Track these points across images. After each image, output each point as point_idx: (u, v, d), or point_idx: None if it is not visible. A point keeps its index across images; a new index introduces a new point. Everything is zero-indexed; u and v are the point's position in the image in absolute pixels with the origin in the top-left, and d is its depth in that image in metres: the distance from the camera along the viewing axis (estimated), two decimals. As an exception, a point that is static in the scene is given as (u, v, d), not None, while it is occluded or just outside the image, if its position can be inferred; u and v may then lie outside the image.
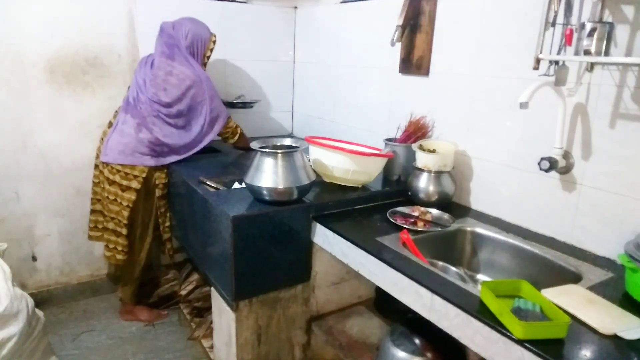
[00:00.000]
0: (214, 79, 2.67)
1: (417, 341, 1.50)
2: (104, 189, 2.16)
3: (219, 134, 2.26)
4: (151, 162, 2.13)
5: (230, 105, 2.57)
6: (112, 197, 2.14)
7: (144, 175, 2.12)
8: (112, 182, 2.12)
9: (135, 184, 2.12)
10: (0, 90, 2.19)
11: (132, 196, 2.12)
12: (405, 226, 1.55)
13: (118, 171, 2.10)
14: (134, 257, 2.28)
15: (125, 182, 2.11)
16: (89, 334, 2.31)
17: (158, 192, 2.21)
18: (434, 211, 1.69)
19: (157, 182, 2.19)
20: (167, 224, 2.30)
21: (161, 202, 2.24)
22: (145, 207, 2.22)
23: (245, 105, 2.68)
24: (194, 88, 2.11)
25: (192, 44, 2.16)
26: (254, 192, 1.64)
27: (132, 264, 2.28)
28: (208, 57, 2.25)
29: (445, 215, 1.66)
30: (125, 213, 2.14)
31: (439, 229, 1.58)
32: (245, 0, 2.69)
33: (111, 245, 2.20)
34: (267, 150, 1.62)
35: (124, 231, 2.16)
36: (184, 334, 2.33)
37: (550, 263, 1.40)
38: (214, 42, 2.24)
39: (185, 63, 2.12)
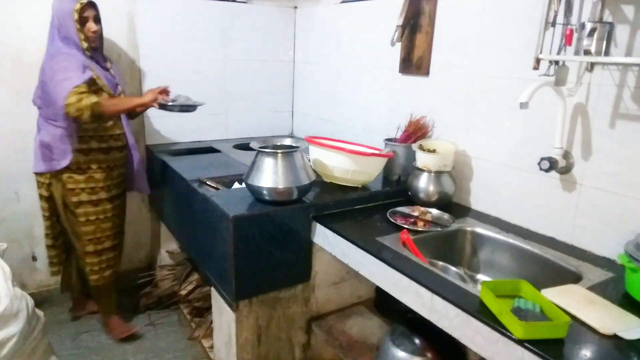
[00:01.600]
0: (214, 79, 2.69)
1: (417, 341, 1.50)
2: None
3: (74, 121, 1.89)
4: (43, 167, 2.01)
5: (162, 107, 2.11)
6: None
7: (47, 181, 2.04)
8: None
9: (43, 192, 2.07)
10: (0, 90, 2.19)
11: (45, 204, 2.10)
12: (405, 226, 1.55)
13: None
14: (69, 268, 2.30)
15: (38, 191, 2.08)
16: (89, 334, 2.31)
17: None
18: (434, 211, 1.69)
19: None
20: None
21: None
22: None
23: (183, 108, 2.16)
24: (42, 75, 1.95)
25: (60, 25, 1.93)
26: (254, 192, 1.64)
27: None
28: (80, 30, 1.92)
29: (445, 215, 1.66)
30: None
31: (439, 229, 1.58)
32: (245, 0, 2.69)
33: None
34: (267, 150, 1.62)
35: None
36: (184, 334, 2.32)
37: (550, 263, 1.40)
38: (78, 10, 1.90)
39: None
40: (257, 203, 1.64)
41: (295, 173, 1.60)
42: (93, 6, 1.96)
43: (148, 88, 2.46)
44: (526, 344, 0.96)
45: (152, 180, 2.38)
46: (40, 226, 2.41)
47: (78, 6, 1.90)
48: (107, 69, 2.10)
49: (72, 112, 1.80)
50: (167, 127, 2.60)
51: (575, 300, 1.11)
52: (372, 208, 1.76)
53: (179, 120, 2.60)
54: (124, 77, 2.45)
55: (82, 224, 2.06)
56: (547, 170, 1.42)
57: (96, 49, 2.04)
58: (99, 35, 2.02)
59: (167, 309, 2.50)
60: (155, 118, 2.54)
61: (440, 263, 1.52)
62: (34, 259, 2.47)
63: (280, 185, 1.58)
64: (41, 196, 2.08)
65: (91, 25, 1.95)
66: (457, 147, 1.81)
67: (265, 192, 1.59)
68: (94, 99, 1.84)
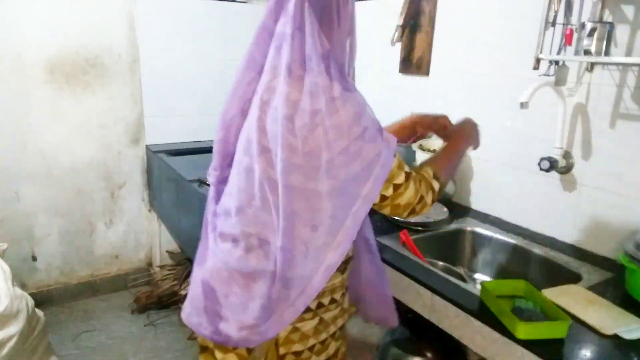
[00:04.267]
0: (214, 79, 2.69)
1: (417, 341, 1.50)
2: None
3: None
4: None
5: None
6: None
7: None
8: None
9: None
10: (0, 90, 2.19)
11: None
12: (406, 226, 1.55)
13: None
14: None
15: None
16: (89, 334, 2.31)
17: None
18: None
19: None
20: None
21: None
22: None
23: None
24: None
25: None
26: None
27: None
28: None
29: (444, 209, 1.66)
30: None
31: (440, 230, 1.59)
32: (245, 0, 2.69)
33: None
34: None
35: None
36: (184, 334, 2.32)
37: (550, 263, 1.40)
38: None
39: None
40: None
41: None
42: None
43: (148, 88, 2.48)
44: (526, 344, 0.96)
45: (152, 180, 2.39)
46: (41, 226, 2.43)
47: None
48: None
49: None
50: (167, 127, 2.60)
51: (575, 300, 1.11)
52: (371, 208, 1.75)
53: (179, 120, 2.60)
54: (124, 77, 2.45)
55: None
56: (547, 170, 1.42)
57: None
58: None
59: (167, 309, 2.50)
60: (155, 118, 2.54)
61: (440, 263, 1.52)
62: (34, 259, 2.47)
63: None
64: None
65: None
66: (457, 147, 1.81)
67: None
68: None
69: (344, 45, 0.94)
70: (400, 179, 0.95)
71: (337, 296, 1.02)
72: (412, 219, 1.39)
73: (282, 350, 0.99)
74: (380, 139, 0.91)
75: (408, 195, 0.97)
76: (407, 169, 0.98)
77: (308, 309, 0.97)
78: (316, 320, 0.99)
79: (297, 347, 0.99)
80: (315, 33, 0.87)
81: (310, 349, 1.01)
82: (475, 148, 1.26)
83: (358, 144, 0.87)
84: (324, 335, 1.02)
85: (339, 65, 0.90)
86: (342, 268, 1.02)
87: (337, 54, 0.92)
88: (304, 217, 0.89)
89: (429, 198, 1.00)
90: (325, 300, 1.00)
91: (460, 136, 1.22)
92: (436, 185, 1.02)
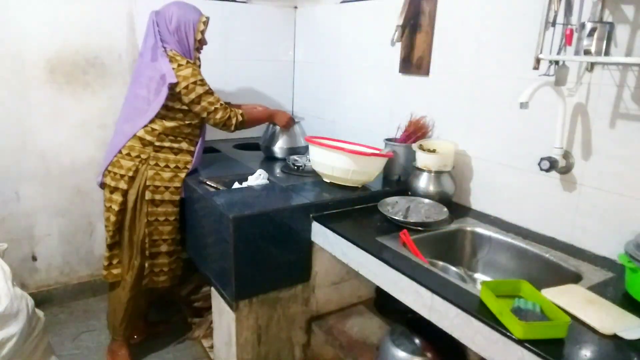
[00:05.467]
0: (214, 79, 2.68)
1: (417, 341, 1.50)
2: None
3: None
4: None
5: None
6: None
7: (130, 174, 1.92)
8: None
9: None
10: (0, 90, 2.19)
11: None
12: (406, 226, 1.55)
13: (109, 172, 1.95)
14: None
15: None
16: (89, 334, 2.31)
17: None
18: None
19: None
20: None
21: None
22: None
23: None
24: None
25: (178, 29, 1.94)
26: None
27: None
28: (199, 41, 2.00)
29: (444, 209, 1.66)
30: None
31: (440, 229, 1.59)
32: (245, 0, 2.69)
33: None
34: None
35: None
36: (184, 334, 2.32)
37: (550, 263, 1.40)
38: (205, 22, 2.00)
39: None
40: (258, 203, 1.64)
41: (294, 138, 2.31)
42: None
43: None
44: (526, 344, 0.96)
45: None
46: (41, 226, 2.43)
47: (204, 19, 2.01)
48: None
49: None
50: (167, 127, 2.59)
51: (575, 300, 1.11)
52: (372, 208, 1.76)
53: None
54: (124, 77, 2.45)
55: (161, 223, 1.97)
56: (547, 170, 1.42)
57: None
58: None
59: (167, 309, 2.50)
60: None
61: (440, 263, 1.52)
62: (34, 259, 2.47)
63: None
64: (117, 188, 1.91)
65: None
66: (457, 147, 1.81)
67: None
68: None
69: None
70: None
71: (186, 165, 2.04)
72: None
73: (148, 183, 1.94)
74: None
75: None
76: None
77: (167, 166, 1.99)
78: (172, 174, 1.99)
79: (157, 183, 1.97)
80: None
81: (167, 187, 1.97)
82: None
83: None
84: (176, 184, 1.98)
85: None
86: (192, 152, 2.09)
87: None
88: None
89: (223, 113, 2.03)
90: (181, 165, 2.01)
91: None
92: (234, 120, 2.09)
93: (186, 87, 1.87)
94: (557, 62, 1.38)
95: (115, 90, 2.44)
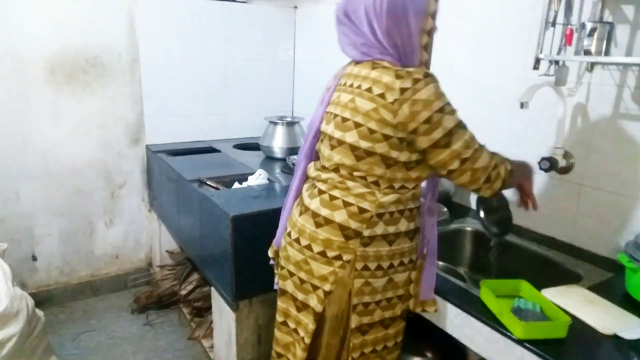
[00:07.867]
0: (214, 79, 2.69)
1: (417, 341, 1.50)
2: None
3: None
4: None
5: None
6: None
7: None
8: None
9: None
10: (0, 90, 2.19)
11: None
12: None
13: None
14: None
15: None
16: (89, 334, 2.31)
17: None
18: None
19: None
20: None
21: None
22: None
23: None
24: None
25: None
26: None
27: None
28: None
29: (444, 209, 1.65)
30: None
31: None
32: (245, 0, 2.69)
33: None
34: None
35: None
36: (184, 334, 2.32)
37: (550, 263, 1.40)
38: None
39: None
40: (258, 202, 1.64)
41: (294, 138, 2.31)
42: None
43: (148, 88, 2.48)
44: (526, 344, 0.96)
45: (152, 180, 2.39)
46: (41, 226, 2.43)
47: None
48: None
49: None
50: (167, 127, 2.60)
51: (575, 300, 1.11)
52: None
53: (179, 120, 2.60)
54: (124, 77, 2.45)
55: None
56: (547, 170, 1.42)
57: None
58: None
59: (167, 309, 2.50)
60: (155, 118, 2.54)
61: (440, 263, 1.52)
62: (34, 259, 2.47)
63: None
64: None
65: None
66: (457, 147, 1.81)
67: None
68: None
69: None
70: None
71: (406, 260, 1.19)
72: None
73: (354, 301, 1.14)
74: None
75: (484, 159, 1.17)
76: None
77: (380, 267, 1.14)
78: (386, 278, 1.16)
79: (367, 299, 1.16)
80: None
81: (378, 302, 1.17)
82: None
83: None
84: (390, 294, 1.18)
85: None
86: (411, 236, 1.18)
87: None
88: None
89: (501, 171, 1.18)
90: (396, 262, 1.16)
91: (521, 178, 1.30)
92: (503, 171, 1.19)
93: None
94: (557, 62, 1.38)
95: (115, 90, 2.44)
